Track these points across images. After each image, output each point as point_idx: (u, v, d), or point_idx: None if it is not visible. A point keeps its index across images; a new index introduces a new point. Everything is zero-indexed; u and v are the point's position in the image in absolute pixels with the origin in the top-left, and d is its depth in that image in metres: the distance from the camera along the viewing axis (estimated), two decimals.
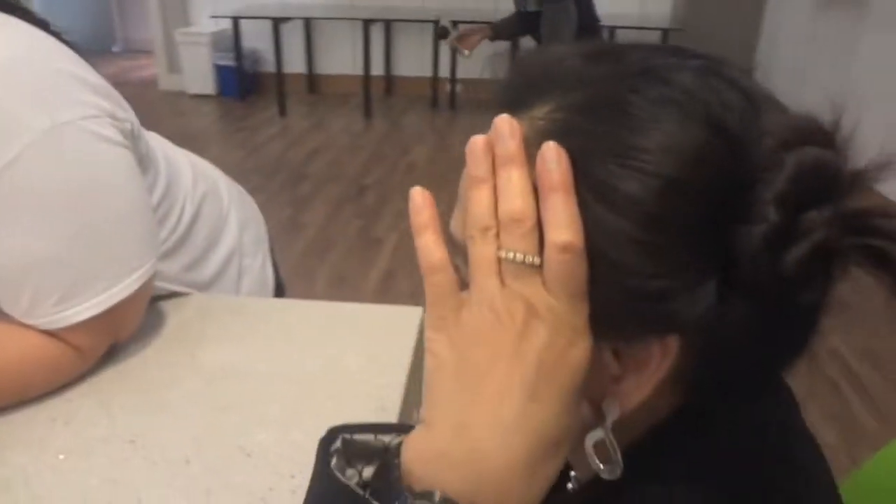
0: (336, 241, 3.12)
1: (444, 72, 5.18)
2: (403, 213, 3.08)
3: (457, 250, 0.39)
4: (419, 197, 0.38)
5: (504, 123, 0.36)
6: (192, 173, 1.01)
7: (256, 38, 5.31)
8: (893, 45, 3.36)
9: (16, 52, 0.69)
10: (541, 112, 0.37)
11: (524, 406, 0.35)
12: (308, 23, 5.43)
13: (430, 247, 0.37)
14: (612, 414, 0.38)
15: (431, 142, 4.64)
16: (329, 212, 3.44)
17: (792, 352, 0.39)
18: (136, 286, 0.77)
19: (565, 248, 0.34)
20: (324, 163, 4.17)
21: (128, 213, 0.76)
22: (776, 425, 0.44)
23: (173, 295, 0.96)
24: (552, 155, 0.34)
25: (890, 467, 0.79)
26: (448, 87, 5.21)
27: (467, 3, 5.16)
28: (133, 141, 0.79)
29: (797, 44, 4.42)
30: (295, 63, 5.52)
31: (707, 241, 0.34)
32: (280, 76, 4.99)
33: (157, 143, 0.95)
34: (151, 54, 5.84)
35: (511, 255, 0.35)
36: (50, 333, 0.74)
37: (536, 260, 0.35)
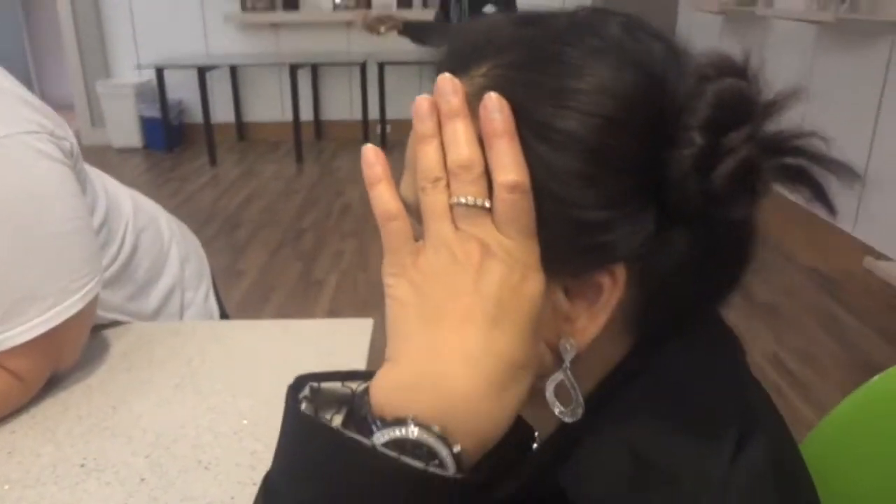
0: (277, 286, 3.08)
1: (374, 114, 5.23)
2: (342, 254, 3.08)
3: (410, 212, 0.41)
4: (371, 153, 0.40)
5: (446, 81, 0.38)
6: (132, 206, 1.00)
7: (182, 88, 5.26)
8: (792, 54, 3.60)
9: None
10: (479, 72, 0.39)
11: (486, 333, 0.36)
12: (234, 70, 5.42)
13: (384, 196, 0.39)
14: (570, 353, 0.40)
15: (364, 183, 4.64)
16: (267, 257, 3.39)
17: (728, 283, 0.43)
18: (79, 306, 0.75)
19: (513, 188, 0.36)
20: (258, 209, 4.13)
21: (68, 230, 0.75)
22: (726, 367, 0.46)
23: (115, 324, 0.94)
24: (494, 104, 0.37)
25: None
26: (378, 128, 5.26)
27: (394, 44, 5.26)
28: (73, 161, 0.78)
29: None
30: (223, 112, 5.48)
31: (642, 170, 0.37)
32: (208, 126, 4.94)
33: (96, 174, 0.94)
34: (72, 109, 5.71)
35: (462, 199, 0.37)
36: None
37: (486, 203, 0.37)
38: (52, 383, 0.78)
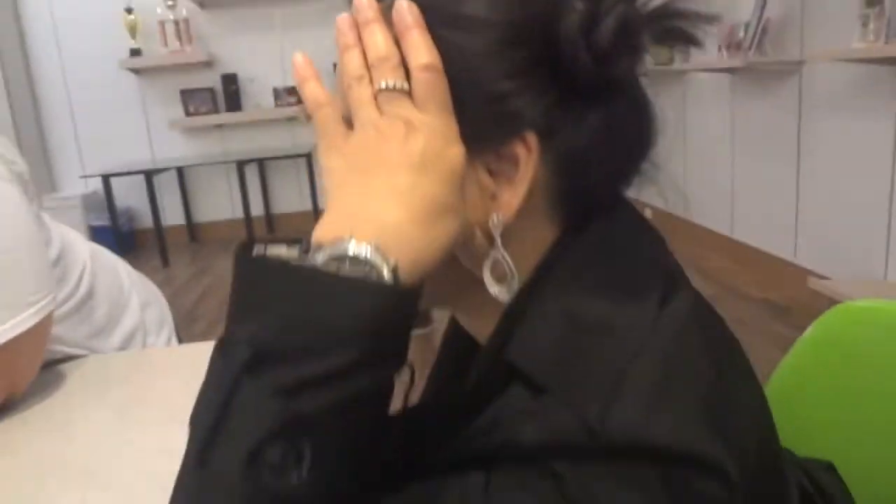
0: None
1: (324, 203, 5.31)
2: None
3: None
4: (299, 58, 0.45)
5: (361, 1, 0.44)
6: (89, 253, 1.02)
7: (130, 195, 5.29)
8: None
9: None
10: None
11: (414, 179, 0.41)
12: (181, 173, 5.48)
13: (313, 89, 0.44)
14: (498, 227, 0.44)
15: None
16: None
17: (635, 164, 0.49)
18: (34, 321, 0.75)
19: (426, 68, 0.41)
20: (214, 304, 4.10)
21: (18, 245, 0.76)
22: (649, 241, 0.50)
23: (70, 358, 0.94)
24: (403, 5, 0.42)
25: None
26: None
27: None
28: (23, 185, 0.80)
29: None
30: (172, 215, 5.51)
31: (538, 42, 0.42)
32: (159, 229, 4.94)
33: (53, 223, 0.96)
34: None
35: (384, 83, 0.42)
36: None
37: (405, 85, 0.42)
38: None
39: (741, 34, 3.23)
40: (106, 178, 4.85)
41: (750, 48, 3.13)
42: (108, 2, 5.19)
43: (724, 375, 0.43)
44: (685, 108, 4.20)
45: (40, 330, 0.78)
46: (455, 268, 0.47)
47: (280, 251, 0.42)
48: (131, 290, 1.10)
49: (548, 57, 0.42)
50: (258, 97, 5.50)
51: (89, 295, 0.98)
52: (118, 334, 1.02)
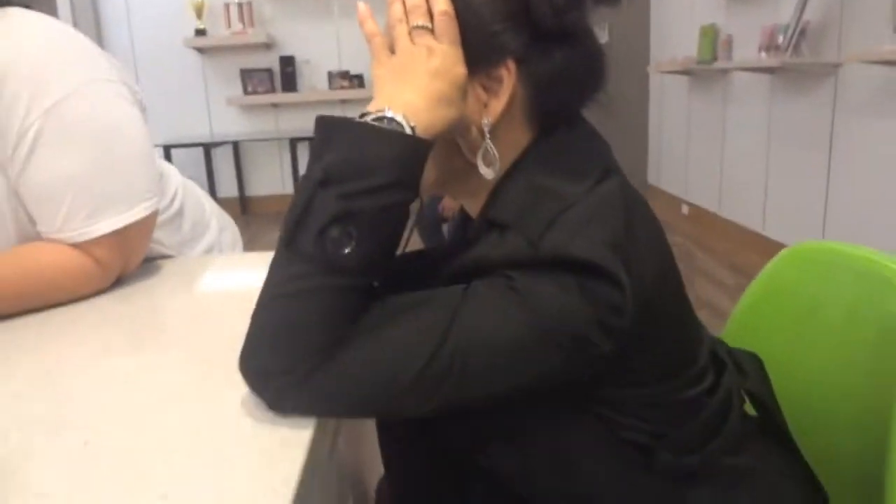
0: None
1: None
2: None
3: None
4: (362, 5, 0.67)
5: None
6: (181, 179, 1.24)
7: (188, 166, 5.58)
8: (751, 115, 3.92)
9: (69, 30, 0.94)
10: None
11: (431, 81, 0.62)
12: (237, 147, 5.76)
13: (370, 26, 0.66)
14: (488, 125, 0.66)
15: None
16: None
17: (589, 92, 0.69)
18: (145, 213, 0.96)
19: (443, 14, 0.63)
20: None
21: (140, 156, 0.97)
22: (597, 144, 0.71)
23: (165, 257, 1.15)
24: None
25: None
26: None
27: None
28: (140, 108, 1.01)
29: (679, 132, 5.01)
30: (227, 187, 5.81)
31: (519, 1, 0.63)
32: (214, 200, 5.21)
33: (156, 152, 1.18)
34: None
35: (416, 23, 0.63)
36: (77, 247, 0.92)
37: (429, 24, 0.63)
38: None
39: (780, 36, 3.34)
40: (167, 149, 5.15)
41: (787, 50, 3.23)
42: None
43: (631, 226, 0.63)
44: (725, 106, 4.30)
45: (148, 223, 0.99)
46: (460, 160, 0.69)
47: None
48: (211, 215, 1.31)
49: (524, 9, 0.64)
50: (313, 79, 5.75)
51: (180, 212, 1.19)
52: (200, 247, 1.23)
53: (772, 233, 3.83)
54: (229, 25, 5.57)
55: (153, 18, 5.62)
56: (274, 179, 5.93)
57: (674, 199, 5.20)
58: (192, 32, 5.55)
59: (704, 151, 4.64)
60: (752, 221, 4.05)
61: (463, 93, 0.64)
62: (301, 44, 5.71)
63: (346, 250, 0.57)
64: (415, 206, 0.63)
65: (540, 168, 0.66)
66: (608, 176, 0.66)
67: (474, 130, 0.67)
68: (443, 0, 0.64)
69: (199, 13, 5.52)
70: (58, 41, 0.91)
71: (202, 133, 5.74)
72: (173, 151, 5.16)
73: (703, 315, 3.11)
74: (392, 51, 0.65)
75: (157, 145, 5.30)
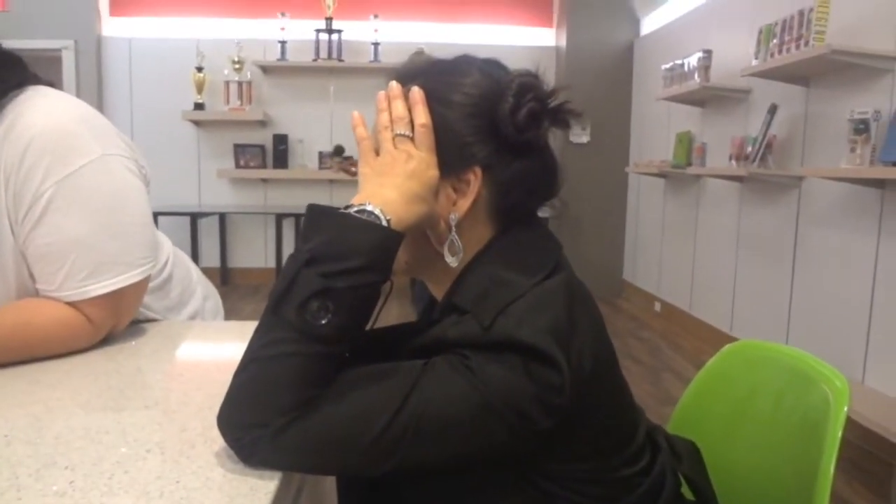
0: None
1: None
2: None
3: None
4: (356, 113, 0.77)
5: (393, 84, 0.77)
6: (172, 250, 1.33)
7: (173, 234, 5.61)
8: (720, 220, 4.10)
9: (90, 109, 1.05)
10: (415, 82, 0.77)
11: (407, 181, 0.72)
12: (223, 219, 5.87)
13: (361, 131, 0.77)
14: (454, 220, 0.76)
15: None
16: None
17: (544, 197, 0.81)
18: (140, 277, 1.04)
19: (423, 125, 0.74)
20: None
21: (142, 224, 1.05)
22: (550, 244, 0.81)
23: (151, 320, 1.22)
24: (416, 91, 0.75)
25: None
26: None
27: None
28: (146, 183, 1.10)
29: (653, 227, 5.20)
30: (209, 257, 5.87)
31: (486, 117, 0.75)
32: None
33: None
34: None
35: (399, 131, 0.74)
36: (72, 305, 0.99)
37: (410, 133, 0.74)
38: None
39: (749, 147, 3.55)
40: (155, 215, 5.22)
41: (755, 160, 3.43)
42: (182, 60, 5.73)
43: (572, 317, 0.72)
44: (698, 210, 4.49)
45: (141, 286, 1.06)
46: (429, 249, 0.79)
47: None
48: (197, 283, 1.39)
49: (492, 126, 0.75)
50: (304, 158, 5.93)
51: (169, 278, 1.26)
52: (185, 313, 1.30)
53: (739, 333, 3.94)
54: (227, 101, 5.78)
55: (155, 90, 5.83)
56: (257, 253, 6.02)
57: (647, 295, 5.33)
58: (190, 105, 5.75)
59: (677, 252, 4.80)
60: (720, 322, 4.17)
61: (434, 193, 0.75)
62: (295, 123, 5.92)
63: (323, 321, 0.66)
64: (400, 285, 0.73)
65: (498, 261, 0.76)
66: (556, 271, 0.76)
67: (442, 224, 0.77)
68: (423, 114, 0.75)
69: (199, 88, 5.74)
70: (79, 119, 1.01)
71: (191, 202, 5.85)
72: (161, 218, 5.23)
73: (667, 411, 3.17)
74: (377, 153, 0.76)
75: None
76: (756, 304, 3.78)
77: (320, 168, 5.91)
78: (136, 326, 1.16)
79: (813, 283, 3.26)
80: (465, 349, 0.68)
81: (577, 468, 0.75)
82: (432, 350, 0.70)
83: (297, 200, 5.94)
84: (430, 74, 0.79)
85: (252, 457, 0.66)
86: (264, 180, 5.97)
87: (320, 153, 5.91)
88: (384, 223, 0.70)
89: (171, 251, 1.31)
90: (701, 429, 1.05)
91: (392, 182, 0.72)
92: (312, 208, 0.72)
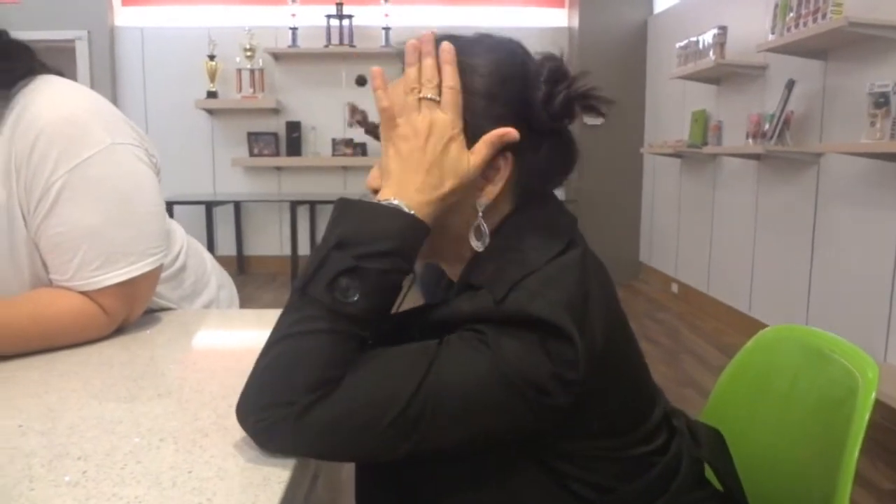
0: None
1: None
2: None
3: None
4: (376, 72, 0.74)
5: (428, 34, 0.74)
6: (186, 238, 1.32)
7: (189, 223, 5.65)
8: (737, 199, 4.05)
9: (99, 98, 1.04)
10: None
11: (430, 172, 0.72)
12: (238, 207, 5.89)
13: (381, 97, 0.74)
14: (482, 205, 0.75)
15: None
16: None
17: (563, 175, 0.79)
18: (151, 267, 1.03)
19: (451, 88, 0.72)
20: None
21: (153, 213, 1.05)
22: (565, 218, 0.80)
23: (165, 309, 1.22)
24: (447, 48, 0.73)
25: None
26: None
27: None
28: (156, 171, 1.10)
29: (670, 208, 5.15)
30: (225, 245, 5.90)
31: (515, 104, 0.73)
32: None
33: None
34: None
35: (427, 94, 0.72)
36: (85, 295, 0.99)
37: (437, 97, 0.72)
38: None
39: (766, 124, 3.50)
40: (170, 205, 5.25)
41: (771, 138, 3.38)
42: (193, 48, 5.73)
43: (586, 292, 0.71)
44: (714, 189, 4.44)
45: (153, 276, 1.06)
46: (449, 234, 0.77)
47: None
48: (212, 273, 1.38)
49: (521, 112, 0.74)
50: (317, 145, 5.93)
51: (183, 267, 1.26)
52: (199, 302, 1.30)
53: (758, 314, 3.90)
54: (240, 89, 5.78)
55: (168, 79, 5.84)
56: (272, 240, 6.03)
57: (664, 277, 5.29)
58: (203, 94, 5.75)
59: (694, 232, 4.76)
60: (738, 302, 4.13)
61: (463, 178, 0.72)
62: (308, 111, 5.91)
63: (353, 299, 0.66)
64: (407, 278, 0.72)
65: (513, 238, 0.75)
66: (571, 247, 0.75)
67: (469, 209, 0.76)
68: (452, 76, 0.72)
69: (212, 77, 5.74)
70: (88, 108, 1.00)
71: (205, 191, 5.88)
72: (176, 207, 5.26)
73: (687, 393, 3.16)
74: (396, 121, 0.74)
75: None
76: (775, 284, 3.74)
77: (333, 155, 5.90)
78: (151, 315, 1.16)
79: (833, 261, 3.21)
80: (479, 324, 0.68)
81: (590, 445, 0.74)
82: (448, 327, 0.70)
83: (311, 188, 5.95)
84: (462, 46, 0.75)
85: (272, 441, 0.66)
86: (278, 168, 5.98)
87: (333, 140, 5.90)
88: (407, 211, 0.70)
89: (184, 240, 1.31)
90: (732, 415, 1.04)
91: (412, 175, 0.71)
92: (341, 200, 0.72)
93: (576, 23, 5.65)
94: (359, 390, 0.65)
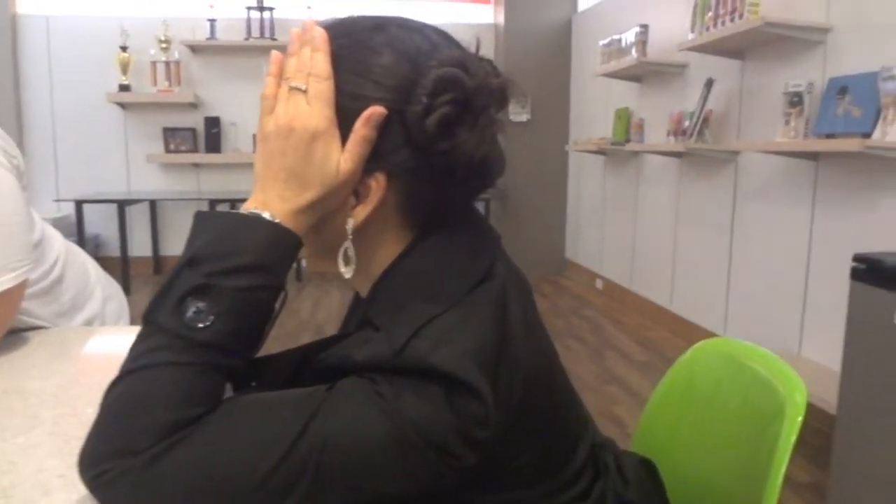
0: None
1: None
2: None
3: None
4: (274, 55, 0.65)
5: (310, 21, 0.65)
6: (65, 248, 1.19)
7: (101, 224, 5.40)
8: (660, 196, 4.10)
9: None
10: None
11: (287, 183, 0.63)
12: (154, 205, 5.63)
13: (269, 84, 0.65)
14: (351, 225, 0.65)
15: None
16: None
17: (463, 197, 0.69)
18: (14, 282, 0.91)
19: (317, 76, 0.62)
20: None
21: (9, 222, 0.93)
22: (484, 241, 0.70)
23: (36, 328, 1.09)
24: (318, 33, 0.64)
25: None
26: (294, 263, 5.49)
27: None
28: (19, 175, 0.97)
29: (594, 205, 5.19)
30: (140, 246, 5.63)
31: (395, 116, 0.62)
32: (125, 258, 5.05)
33: (37, 215, 1.13)
34: None
35: (293, 83, 0.63)
36: None
37: (303, 87, 0.62)
38: None
39: (686, 122, 3.54)
40: (79, 204, 4.98)
41: (692, 136, 3.42)
42: (104, 39, 5.43)
43: (504, 332, 0.62)
44: (637, 186, 4.48)
45: (15, 293, 0.94)
46: (332, 248, 0.67)
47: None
48: (97, 284, 1.26)
49: (401, 130, 0.62)
50: (238, 141, 5.72)
51: (59, 280, 1.13)
52: (80, 318, 1.17)
53: (678, 309, 3.96)
54: (155, 83, 5.52)
55: (76, 71, 5.51)
56: None
57: (589, 273, 5.33)
58: (115, 87, 5.47)
59: (618, 229, 4.80)
60: (660, 297, 4.19)
61: (333, 188, 0.63)
62: (228, 105, 5.69)
63: (204, 324, 0.56)
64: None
65: (420, 267, 0.65)
66: (490, 276, 0.65)
67: (340, 231, 0.65)
68: (322, 64, 0.63)
69: (124, 69, 5.45)
70: None
71: (119, 189, 5.59)
72: (85, 207, 4.99)
73: (611, 390, 3.17)
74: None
75: (66, 200, 5.14)
76: (695, 279, 3.79)
77: (255, 151, 5.68)
78: (16, 336, 1.04)
79: (750, 256, 3.28)
80: (373, 373, 0.58)
81: (502, 499, 0.66)
82: (339, 372, 0.59)
83: (232, 185, 5.74)
84: (342, 43, 0.65)
85: (114, 499, 0.55)
86: (196, 165, 5.74)
87: (254, 136, 5.68)
88: (269, 219, 0.61)
89: (62, 249, 1.18)
90: (662, 435, 1.00)
91: (274, 184, 0.62)
92: (198, 214, 0.62)
93: (501, 20, 5.62)
94: (221, 437, 0.55)
